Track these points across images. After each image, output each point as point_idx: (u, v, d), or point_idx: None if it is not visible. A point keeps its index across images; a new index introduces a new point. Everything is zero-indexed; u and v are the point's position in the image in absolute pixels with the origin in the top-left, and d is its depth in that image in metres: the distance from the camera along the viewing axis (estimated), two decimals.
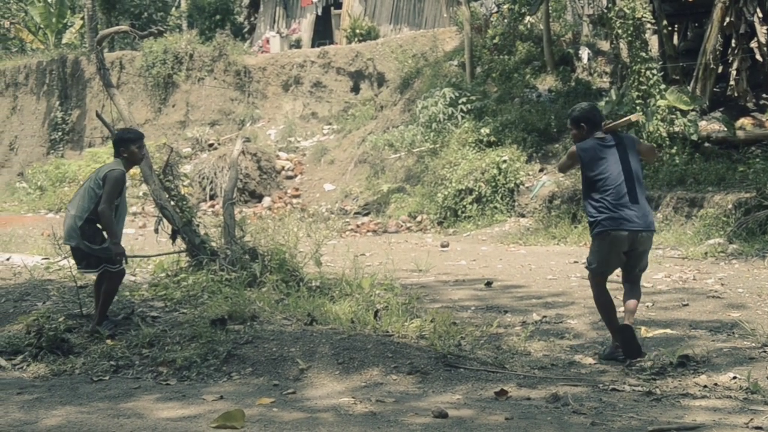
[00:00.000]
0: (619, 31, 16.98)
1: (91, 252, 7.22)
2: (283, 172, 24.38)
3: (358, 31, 29.40)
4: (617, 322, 6.47)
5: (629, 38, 16.79)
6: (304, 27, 32.60)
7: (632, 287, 6.57)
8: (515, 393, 5.77)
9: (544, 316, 8.44)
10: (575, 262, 12.55)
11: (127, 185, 7.43)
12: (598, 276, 6.57)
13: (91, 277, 8.23)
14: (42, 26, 35.03)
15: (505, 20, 23.39)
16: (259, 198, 23.35)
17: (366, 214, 20.23)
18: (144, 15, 33.62)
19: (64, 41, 35.15)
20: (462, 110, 19.92)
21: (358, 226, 18.98)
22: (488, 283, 10.68)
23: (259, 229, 9.79)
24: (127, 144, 7.41)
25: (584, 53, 21.47)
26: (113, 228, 7.19)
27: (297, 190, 23.56)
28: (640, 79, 16.55)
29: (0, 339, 7.22)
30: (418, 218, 18.64)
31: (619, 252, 6.37)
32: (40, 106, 31.75)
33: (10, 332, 7.39)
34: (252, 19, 35.95)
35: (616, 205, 6.25)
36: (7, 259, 12.06)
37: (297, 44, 31.89)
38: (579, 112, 6.64)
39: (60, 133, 30.85)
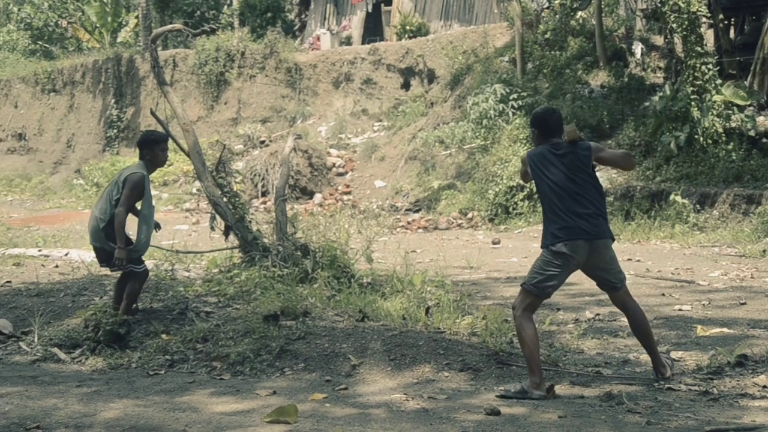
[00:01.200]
0: (674, 25, 16.72)
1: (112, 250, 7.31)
2: (334, 169, 24.48)
3: (408, 27, 29.37)
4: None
5: (684, 32, 16.52)
6: (355, 24, 32.67)
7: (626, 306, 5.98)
8: (568, 391, 5.72)
9: (597, 314, 8.35)
10: (629, 259, 12.41)
11: (149, 187, 7.46)
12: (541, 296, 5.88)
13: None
14: (98, 25, 35.58)
15: (557, 15, 23.18)
16: (310, 195, 23.46)
17: (417, 211, 20.21)
18: (197, 13, 33.99)
19: (119, 40, 35.70)
20: (513, 106, 19.79)
21: (408, 223, 18.97)
22: None
23: (310, 225, 9.83)
24: (151, 146, 7.45)
25: (637, 48, 21.17)
26: (122, 232, 7.19)
27: (348, 186, 23.63)
28: (695, 74, 16.29)
29: (59, 333, 7.37)
30: (469, 215, 18.58)
31: (572, 266, 5.78)
32: (96, 104, 32.29)
33: (69, 326, 7.54)
34: (303, 16, 36.15)
35: (571, 214, 5.74)
36: (66, 255, 12.30)
37: (347, 41, 31.97)
38: (533, 115, 6.16)
39: (115, 131, 31.34)
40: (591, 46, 21.61)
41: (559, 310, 8.69)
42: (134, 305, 7.63)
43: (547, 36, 22.71)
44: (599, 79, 20.62)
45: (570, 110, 18.96)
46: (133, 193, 7.22)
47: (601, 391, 5.66)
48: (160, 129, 9.66)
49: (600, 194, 5.89)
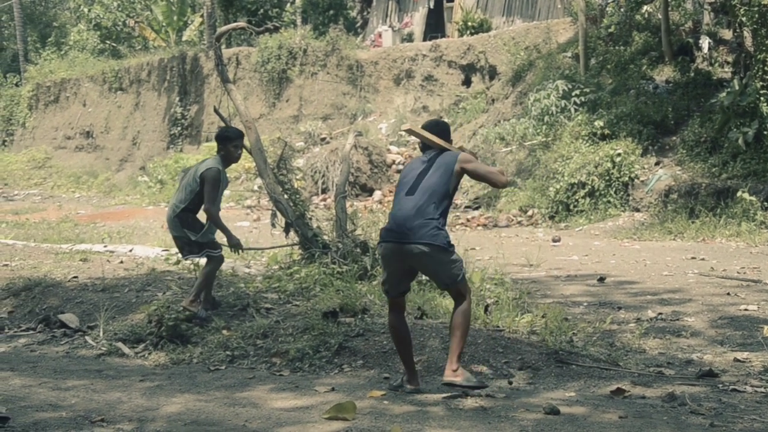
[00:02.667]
0: (744, 18, 16.33)
1: (192, 239, 7.51)
2: (394, 166, 24.48)
3: (470, 23, 29.22)
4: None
5: (754, 26, 16.13)
6: (417, 21, 32.64)
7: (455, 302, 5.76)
8: (629, 391, 5.64)
9: (660, 313, 8.22)
10: (693, 258, 12.19)
11: (225, 178, 7.61)
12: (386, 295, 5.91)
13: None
14: (164, 24, 36.18)
15: (621, 9, 22.83)
16: (370, 191, 23.52)
17: (476, 208, 20.12)
18: (260, 11, 34.28)
19: (184, 38, 36.23)
20: (575, 103, 19.56)
21: (468, 220, 18.89)
22: (601, 279, 10.47)
23: (370, 222, 9.87)
24: (225, 142, 7.59)
25: (705, 42, 20.72)
26: (222, 225, 7.46)
27: None
28: (765, 68, 15.89)
29: (123, 327, 7.53)
30: (529, 212, 18.43)
31: (394, 268, 5.71)
32: (161, 102, 32.84)
33: (133, 321, 7.69)
34: (365, 13, 36.24)
35: (391, 217, 5.73)
36: (130, 251, 12.54)
37: (409, 38, 31.96)
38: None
39: (179, 128, 31.83)
40: (656, 40, 21.22)
41: (620, 308, 8.58)
42: (213, 299, 7.80)
43: (611, 31, 22.39)
44: (664, 74, 20.25)
45: (634, 106, 18.68)
46: (213, 189, 7.45)
47: (664, 391, 5.57)
48: (227, 125, 9.78)
49: (440, 200, 5.58)
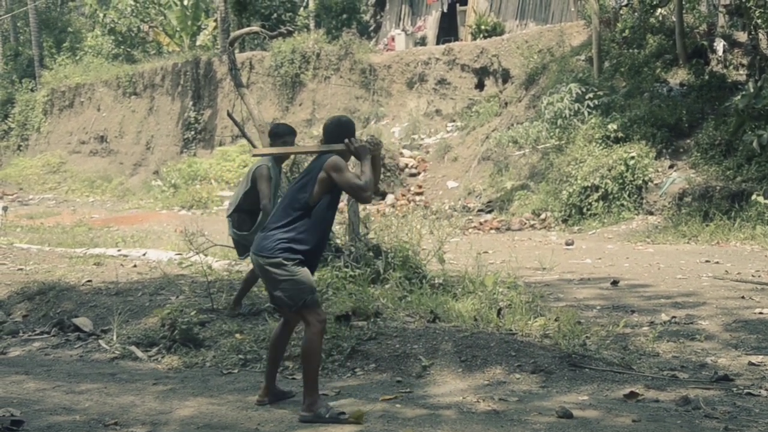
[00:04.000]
0: (759, 21, 16.29)
1: (239, 239, 7.61)
2: (407, 170, 24.48)
3: (483, 27, 29.20)
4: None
5: None
6: (430, 24, 32.64)
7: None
8: (643, 394, 5.62)
9: (674, 317, 8.19)
10: (707, 261, 12.14)
11: (277, 176, 7.72)
12: None
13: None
14: (178, 29, 36.31)
15: (635, 13, 22.75)
16: (383, 195, 23.52)
17: (489, 212, 20.09)
18: (273, 16, 34.36)
19: (197, 43, 36.35)
20: (588, 106, 19.50)
21: (481, 224, 18.87)
22: (614, 282, 10.44)
23: (382, 226, 9.86)
24: (274, 138, 7.66)
25: (719, 45, 20.63)
26: None
27: (420, 187, 23.62)
28: None
29: (137, 331, 7.56)
30: (542, 216, 18.39)
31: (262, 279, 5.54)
32: (175, 107, 32.97)
33: (146, 325, 7.72)
34: (378, 17, 36.27)
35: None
36: (144, 255, 12.59)
37: (422, 42, 31.96)
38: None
39: (192, 133, 31.93)
40: (671, 43, 21.15)
41: (633, 312, 8.56)
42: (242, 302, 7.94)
43: (625, 34, 22.32)
44: (678, 77, 20.17)
45: (648, 109, 18.61)
46: (266, 185, 7.53)
47: (677, 395, 5.55)
48: (236, 131, 9.81)
49: (294, 210, 5.29)
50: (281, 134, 7.67)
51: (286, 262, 5.20)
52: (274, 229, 5.30)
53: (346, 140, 5.36)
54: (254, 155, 6.09)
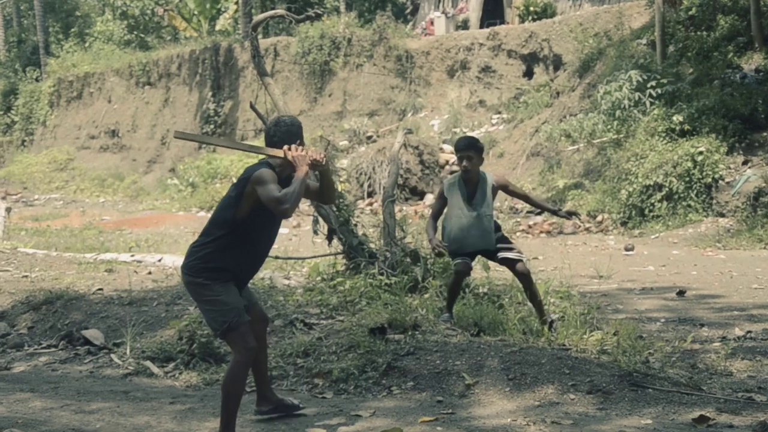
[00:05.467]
0: None
1: None
2: (447, 167, 24.48)
3: (532, 8, 29.14)
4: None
5: None
6: (473, 6, 32.61)
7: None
8: (714, 419, 5.56)
9: (749, 331, 8.10)
10: None
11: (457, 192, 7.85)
12: None
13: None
14: (196, 12, 36.60)
15: None
16: (421, 195, 23.54)
17: (539, 214, 20.03)
18: None
19: (217, 28, 36.68)
20: (651, 95, 19.37)
21: (530, 227, 18.82)
22: (681, 292, 10.35)
23: (421, 229, 9.86)
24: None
25: None
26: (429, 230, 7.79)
27: None
28: None
29: (152, 345, 7.61)
30: (599, 218, 18.30)
31: None
32: (192, 98, 33.25)
33: (162, 338, 7.77)
34: None
35: None
36: (159, 260, 12.69)
37: (464, 25, 31.95)
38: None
39: (212, 126, 32.18)
40: (744, 24, 20.94)
41: (703, 326, 8.47)
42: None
43: (692, 14, 22.15)
44: (754, 62, 19.96)
45: (718, 98, 18.44)
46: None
47: (754, 419, 5.48)
48: (259, 124, 9.85)
49: (218, 226, 5.27)
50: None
51: (207, 282, 5.18)
52: (197, 247, 5.30)
53: (285, 147, 5.22)
54: (176, 137, 5.95)
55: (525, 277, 7.66)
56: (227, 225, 5.23)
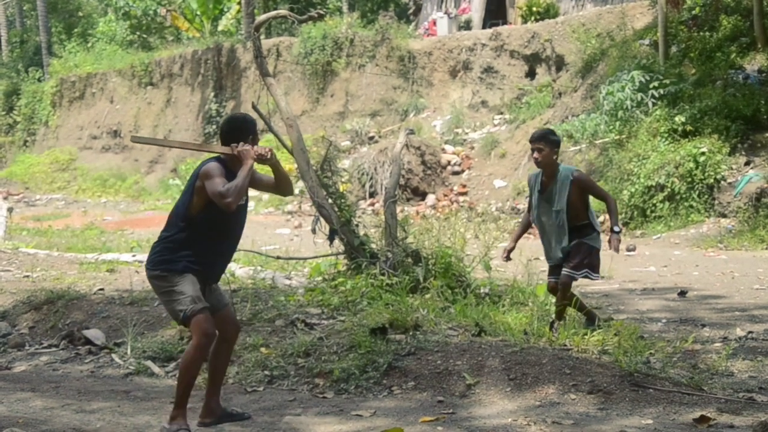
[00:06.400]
0: None
1: None
2: (449, 167, 24.47)
3: (534, 8, 29.11)
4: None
5: None
6: (475, 6, 32.58)
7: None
8: (715, 419, 5.56)
9: (750, 332, 8.10)
10: None
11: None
12: None
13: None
14: (198, 13, 36.58)
15: None
16: (423, 195, 23.54)
17: None
18: None
19: (220, 28, 36.66)
20: (653, 96, 19.35)
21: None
22: (682, 293, 10.35)
23: (422, 229, 9.87)
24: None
25: None
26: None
27: (464, 186, 23.60)
28: None
29: (153, 344, 7.62)
30: (601, 218, 18.26)
31: None
32: (195, 98, 33.25)
33: (163, 337, 7.79)
34: None
35: None
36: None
37: (467, 25, 31.92)
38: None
39: (214, 126, 32.14)
40: (748, 25, 20.94)
41: (704, 326, 8.48)
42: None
43: (695, 13, 22.14)
44: (757, 62, 19.95)
45: (721, 99, 18.42)
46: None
47: (755, 419, 5.48)
48: (261, 124, 9.87)
49: (175, 221, 5.49)
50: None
51: (164, 274, 5.39)
52: (158, 241, 5.54)
53: (233, 144, 5.42)
54: (132, 141, 6.16)
55: (560, 287, 7.67)
56: (184, 219, 5.44)
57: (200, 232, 5.40)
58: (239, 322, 6.08)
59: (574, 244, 7.58)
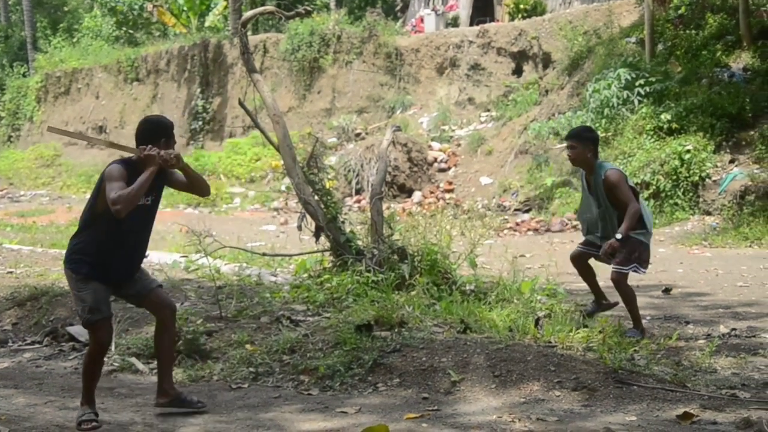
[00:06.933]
0: None
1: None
2: (436, 164, 24.49)
3: (522, 6, 29.17)
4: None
5: None
6: (463, 3, 32.62)
7: None
8: (699, 415, 5.58)
9: (734, 329, 8.13)
10: None
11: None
12: None
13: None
14: (185, 9, 36.48)
15: None
16: (409, 192, 23.55)
17: (527, 211, 20.06)
18: None
19: (206, 24, 36.56)
20: (639, 93, 19.41)
21: (517, 224, 18.85)
22: (666, 290, 10.39)
23: (408, 226, 9.86)
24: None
25: None
26: (630, 221, 7.64)
27: (450, 183, 23.62)
28: None
29: (137, 341, 7.60)
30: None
31: None
32: (181, 94, 33.17)
33: (148, 334, 7.75)
34: None
35: None
36: (146, 257, 12.64)
37: (454, 22, 31.96)
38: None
39: (200, 123, 32.10)
40: (733, 23, 21.00)
41: (688, 323, 8.51)
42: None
43: (681, 12, 22.20)
44: (742, 60, 20.02)
45: (706, 97, 18.49)
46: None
47: (737, 416, 5.50)
48: (247, 121, 9.85)
49: (84, 219, 5.65)
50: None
51: (72, 274, 5.57)
52: (72, 238, 5.68)
53: (142, 147, 5.52)
54: (49, 130, 6.29)
55: (613, 284, 7.74)
56: (91, 218, 5.58)
57: (107, 231, 5.48)
58: (174, 303, 6.16)
59: (621, 238, 7.61)
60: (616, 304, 8.01)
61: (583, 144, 7.68)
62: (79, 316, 5.64)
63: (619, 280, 7.67)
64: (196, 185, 5.90)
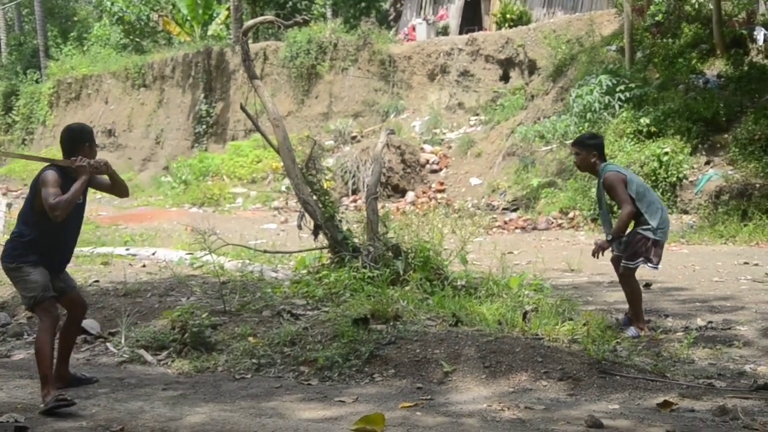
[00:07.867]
0: None
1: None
2: (428, 166, 24.46)
3: (508, 16, 29.14)
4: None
5: None
6: (452, 13, 32.60)
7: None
8: (677, 403, 5.60)
9: (710, 322, 8.14)
10: (745, 263, 12.05)
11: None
12: None
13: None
14: (189, 18, 36.39)
15: (670, 0, 22.62)
16: (403, 193, 23.52)
17: (514, 210, 20.05)
18: (289, 4, 34.44)
19: (209, 33, 36.46)
20: (620, 99, 19.42)
21: (505, 223, 18.83)
22: (647, 285, 10.37)
23: (402, 225, 9.86)
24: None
25: (760, 34, 20.47)
26: (622, 225, 7.78)
27: (442, 184, 23.60)
28: None
29: (146, 334, 7.59)
30: (570, 214, 18.32)
31: None
32: (186, 99, 33.09)
33: (156, 327, 7.76)
34: (398, 5, 36.26)
35: None
36: (153, 254, 12.65)
37: (444, 31, 31.93)
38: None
39: (204, 126, 32.02)
40: (707, 32, 21.01)
41: (667, 316, 8.52)
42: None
43: (658, 19, 22.20)
44: (716, 68, 20.03)
45: (683, 102, 18.50)
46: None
47: (714, 404, 5.52)
48: (249, 125, 9.84)
49: (22, 218, 5.99)
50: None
51: (19, 266, 5.85)
52: (11, 238, 6.00)
53: (73, 158, 5.89)
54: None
55: (619, 279, 7.79)
56: (30, 218, 5.89)
57: (43, 229, 5.82)
58: (86, 302, 6.69)
59: (630, 233, 7.61)
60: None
61: (587, 150, 7.74)
62: (30, 299, 5.81)
63: (625, 275, 7.68)
64: (117, 188, 6.33)
